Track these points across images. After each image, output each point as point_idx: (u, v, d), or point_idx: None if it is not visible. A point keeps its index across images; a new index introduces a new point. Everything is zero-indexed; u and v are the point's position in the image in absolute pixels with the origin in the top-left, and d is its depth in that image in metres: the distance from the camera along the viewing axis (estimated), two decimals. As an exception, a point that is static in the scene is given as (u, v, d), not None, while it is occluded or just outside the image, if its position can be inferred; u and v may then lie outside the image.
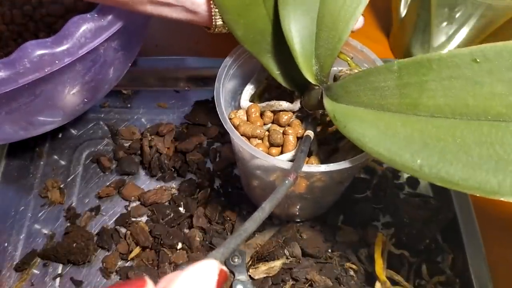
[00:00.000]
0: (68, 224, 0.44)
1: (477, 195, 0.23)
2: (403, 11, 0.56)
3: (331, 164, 0.32)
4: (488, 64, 0.24)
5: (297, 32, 0.33)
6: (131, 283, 0.19)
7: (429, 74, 0.26)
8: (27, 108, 0.36)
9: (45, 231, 0.44)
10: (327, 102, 0.32)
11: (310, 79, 0.34)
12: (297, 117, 0.37)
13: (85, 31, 0.33)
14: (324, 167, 0.32)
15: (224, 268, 0.21)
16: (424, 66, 0.26)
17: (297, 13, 0.33)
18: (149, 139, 0.49)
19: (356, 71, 0.34)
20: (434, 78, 0.26)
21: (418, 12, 0.52)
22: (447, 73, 0.25)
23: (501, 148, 0.23)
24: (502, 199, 0.22)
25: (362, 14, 0.33)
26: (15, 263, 0.42)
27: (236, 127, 0.36)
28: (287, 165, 0.32)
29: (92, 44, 0.34)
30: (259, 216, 0.25)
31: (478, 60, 0.24)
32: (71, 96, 0.38)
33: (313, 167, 0.32)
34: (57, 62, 0.32)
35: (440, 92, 0.26)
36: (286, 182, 0.28)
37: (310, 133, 0.34)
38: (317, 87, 0.34)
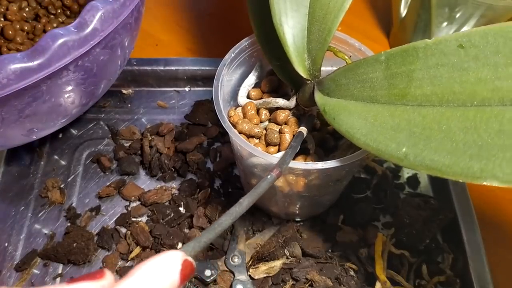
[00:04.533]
0: (69, 224, 0.44)
1: (460, 180, 0.23)
2: (403, 11, 0.56)
3: (328, 162, 0.32)
4: (474, 49, 0.24)
5: (288, 27, 0.33)
6: (90, 275, 0.19)
7: (416, 63, 0.26)
8: (20, 117, 0.36)
9: (45, 231, 0.44)
10: (318, 96, 0.32)
11: (303, 73, 0.34)
12: (293, 114, 0.37)
13: (65, 44, 0.33)
14: (321, 165, 0.32)
15: (190, 259, 0.21)
16: (411, 55, 0.26)
17: (288, 8, 0.33)
18: (149, 139, 0.49)
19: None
20: (421, 67, 0.26)
21: (418, 12, 0.52)
22: (434, 61, 0.25)
23: (485, 132, 0.23)
24: (484, 183, 0.22)
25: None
26: (15, 263, 0.42)
27: (235, 125, 0.36)
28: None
29: (77, 52, 0.33)
30: (236, 210, 0.25)
31: (464, 46, 0.24)
32: (66, 101, 0.38)
33: (310, 164, 0.32)
34: (34, 76, 0.32)
35: (427, 81, 0.26)
36: (268, 177, 0.28)
37: (303, 129, 0.34)
38: (309, 81, 0.34)
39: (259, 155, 0.32)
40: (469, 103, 0.24)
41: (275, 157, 0.33)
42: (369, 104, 0.29)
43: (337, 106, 0.30)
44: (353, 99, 0.30)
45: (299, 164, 0.32)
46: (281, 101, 0.37)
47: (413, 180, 0.47)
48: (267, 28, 0.34)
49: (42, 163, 0.49)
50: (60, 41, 0.32)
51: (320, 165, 0.32)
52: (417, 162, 0.25)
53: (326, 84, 0.32)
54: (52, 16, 0.52)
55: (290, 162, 0.31)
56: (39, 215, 0.45)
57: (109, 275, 0.20)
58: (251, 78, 0.40)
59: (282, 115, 0.37)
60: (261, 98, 0.39)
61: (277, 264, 0.41)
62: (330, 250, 0.42)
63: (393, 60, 0.27)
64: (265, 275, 0.40)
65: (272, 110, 0.38)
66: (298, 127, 0.36)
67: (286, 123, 0.37)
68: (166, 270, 0.20)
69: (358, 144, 0.28)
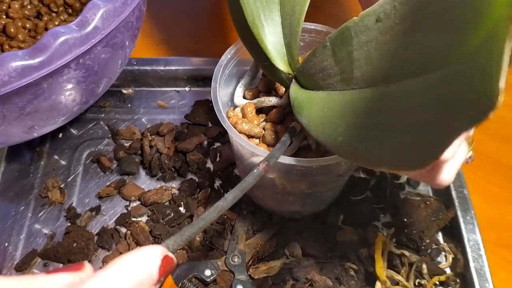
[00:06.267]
0: (69, 224, 0.44)
1: (368, 167, 0.22)
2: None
3: (328, 157, 0.32)
4: (387, 20, 0.22)
5: (263, 26, 0.33)
6: (70, 266, 0.19)
7: (351, 43, 0.25)
8: (21, 114, 0.36)
9: (45, 231, 0.44)
10: (292, 90, 0.32)
11: (284, 68, 0.33)
12: (288, 112, 0.37)
13: (66, 42, 0.33)
14: (322, 160, 0.32)
15: (171, 255, 0.21)
16: (347, 35, 0.25)
17: (259, 7, 0.33)
18: (150, 139, 0.49)
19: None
20: (356, 47, 0.24)
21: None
22: (363, 38, 0.24)
23: (390, 112, 0.21)
24: (380, 169, 0.21)
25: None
26: (15, 263, 0.42)
27: (234, 125, 0.36)
28: (286, 160, 0.32)
29: (78, 51, 0.34)
30: (220, 206, 0.24)
31: (380, 18, 0.22)
32: (67, 99, 0.38)
33: (311, 160, 0.32)
34: (36, 73, 0.32)
35: (362, 61, 0.24)
36: (255, 171, 0.27)
37: (296, 124, 0.34)
38: (291, 75, 0.34)
39: (259, 153, 0.32)
40: (387, 82, 0.22)
41: None
42: (330, 92, 0.27)
43: (305, 98, 0.29)
44: (321, 89, 0.29)
45: (296, 160, 0.32)
46: (274, 100, 0.37)
47: (413, 180, 0.47)
48: (249, 31, 0.34)
49: (42, 163, 0.49)
50: (62, 39, 0.32)
51: (322, 160, 0.32)
52: (347, 152, 0.23)
53: (301, 76, 0.32)
54: (54, 14, 0.52)
55: (279, 157, 0.30)
56: (39, 215, 0.45)
57: (88, 268, 0.20)
58: (246, 78, 0.40)
59: (278, 114, 0.37)
60: (257, 98, 0.39)
61: (277, 264, 0.41)
62: (330, 250, 0.42)
63: (335, 44, 0.26)
64: (265, 275, 0.40)
65: (269, 110, 0.38)
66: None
67: (282, 122, 0.37)
68: (144, 265, 0.19)
69: (313, 137, 0.27)
